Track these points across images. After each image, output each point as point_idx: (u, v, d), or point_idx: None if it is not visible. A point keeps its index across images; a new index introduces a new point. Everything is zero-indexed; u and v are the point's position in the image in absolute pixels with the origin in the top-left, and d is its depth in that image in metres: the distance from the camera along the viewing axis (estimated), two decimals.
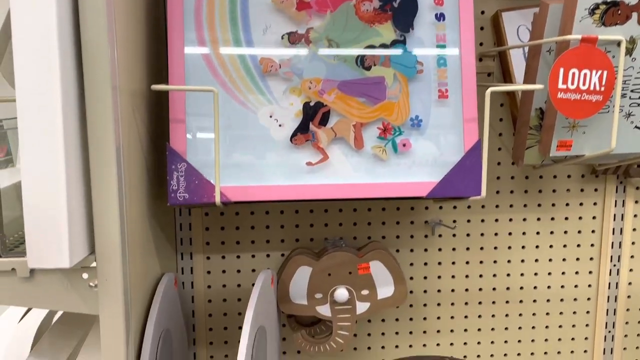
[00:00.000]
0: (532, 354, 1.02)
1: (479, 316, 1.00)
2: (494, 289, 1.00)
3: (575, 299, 1.01)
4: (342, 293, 0.88)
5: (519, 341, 1.01)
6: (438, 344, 1.00)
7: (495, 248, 0.99)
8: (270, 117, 0.73)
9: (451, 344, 1.01)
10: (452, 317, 1.00)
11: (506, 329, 1.01)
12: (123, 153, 0.59)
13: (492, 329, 1.01)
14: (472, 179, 0.74)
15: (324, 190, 0.74)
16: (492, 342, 1.01)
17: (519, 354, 1.02)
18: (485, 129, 0.71)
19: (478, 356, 1.01)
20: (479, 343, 1.01)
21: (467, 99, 0.75)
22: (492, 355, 1.01)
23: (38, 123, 0.52)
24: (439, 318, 1.00)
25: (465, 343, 1.01)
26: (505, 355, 1.01)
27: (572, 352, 1.02)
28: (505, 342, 1.01)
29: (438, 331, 1.00)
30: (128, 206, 0.61)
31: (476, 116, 0.75)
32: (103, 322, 0.59)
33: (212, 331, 0.97)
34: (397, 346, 1.00)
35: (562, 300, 1.01)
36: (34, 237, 0.53)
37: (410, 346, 1.00)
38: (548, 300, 1.01)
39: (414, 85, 0.74)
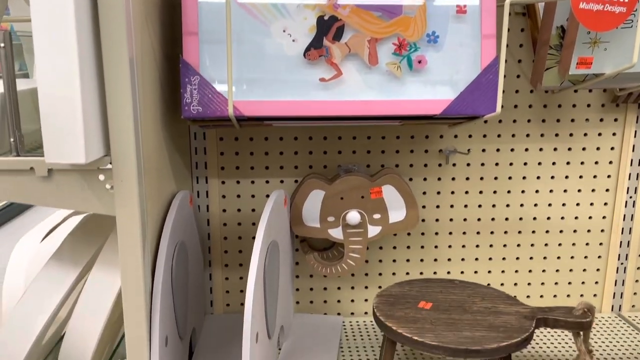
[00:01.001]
0: (542, 284, 1.02)
1: (490, 245, 1.01)
2: (506, 219, 1.00)
3: (588, 231, 1.01)
4: (354, 216, 0.89)
5: (530, 271, 1.02)
6: (448, 272, 1.02)
7: (510, 178, 0.98)
8: (284, 31, 0.72)
9: (462, 272, 1.02)
10: (463, 246, 1.01)
11: (517, 258, 1.01)
12: (136, 61, 0.60)
13: (503, 259, 1.01)
14: (487, 97, 0.73)
15: (337, 107, 0.73)
16: (502, 272, 1.02)
17: (529, 284, 1.02)
18: (503, 44, 0.70)
19: (488, 284, 1.02)
20: (489, 272, 1.02)
21: (486, 14, 0.73)
22: (502, 284, 1.02)
23: (52, 25, 0.53)
24: (450, 247, 1.01)
25: (475, 272, 1.02)
26: (515, 284, 1.02)
27: (582, 282, 1.02)
28: (516, 271, 1.02)
29: (449, 259, 1.01)
30: (142, 113, 0.62)
31: (495, 32, 0.73)
32: (120, 223, 0.60)
33: (227, 254, 0.99)
34: (407, 273, 1.02)
35: (575, 231, 1.01)
36: (51, 134, 0.54)
37: (421, 273, 1.02)
38: (561, 232, 1.00)
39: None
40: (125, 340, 0.94)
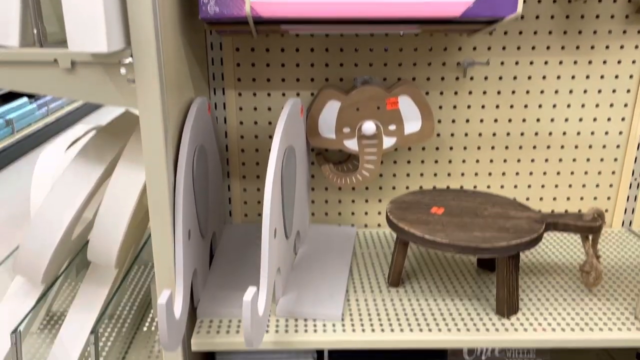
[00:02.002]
0: (554, 199, 1.04)
1: (505, 161, 1.02)
2: (522, 134, 1.00)
3: (604, 146, 1.01)
4: (369, 126, 0.90)
5: (543, 186, 1.03)
6: (461, 186, 1.03)
7: (527, 92, 0.98)
8: None
9: (474, 186, 1.03)
10: (477, 161, 1.02)
11: (530, 174, 1.03)
12: None
13: (517, 174, 1.03)
14: None
15: (355, 8, 0.72)
16: (515, 187, 1.03)
17: (541, 199, 1.04)
18: None
19: None
20: (502, 187, 1.03)
21: None
22: (514, 199, 1.04)
23: None
24: (464, 161, 1.02)
25: (488, 186, 1.03)
26: (527, 199, 1.04)
27: (595, 198, 1.04)
28: (529, 186, 1.03)
29: (462, 174, 1.03)
30: (161, 8, 0.62)
31: None
32: (142, 117, 0.62)
33: (245, 166, 1.02)
34: (421, 187, 1.04)
35: (590, 147, 1.01)
36: (74, 23, 0.55)
37: (434, 187, 1.04)
38: (576, 147, 1.01)
39: None
40: (148, 244, 0.99)
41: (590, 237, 0.79)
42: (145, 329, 0.96)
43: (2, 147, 3.38)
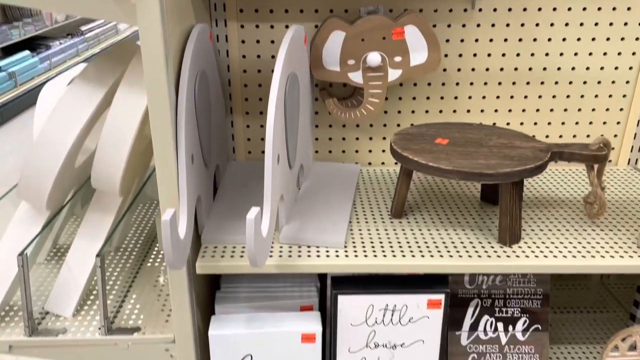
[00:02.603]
0: (560, 136, 1.03)
1: (511, 97, 1.00)
2: (530, 69, 0.98)
3: (613, 82, 0.99)
4: (374, 57, 0.89)
5: (549, 123, 1.02)
6: None
7: (537, 25, 0.95)
8: None
9: (480, 123, 1.02)
10: (483, 97, 1.00)
11: (537, 110, 1.01)
12: None
13: (523, 110, 1.01)
14: None
15: None
16: (521, 124, 1.02)
17: (547, 136, 1.03)
18: None
19: None
20: (508, 124, 1.02)
21: None
22: (521, 123, 1.03)
23: None
24: (470, 98, 1.00)
25: (494, 123, 1.02)
26: (533, 136, 1.03)
27: (601, 135, 1.02)
28: (535, 124, 1.02)
29: (468, 111, 1.02)
30: None
31: None
32: (143, 36, 0.61)
33: (248, 101, 1.01)
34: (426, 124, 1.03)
35: (599, 82, 0.99)
36: None
37: None
38: (585, 83, 0.99)
39: None
40: (153, 178, 0.99)
41: (596, 167, 0.79)
42: (149, 264, 0.97)
43: (5, 100, 3.37)
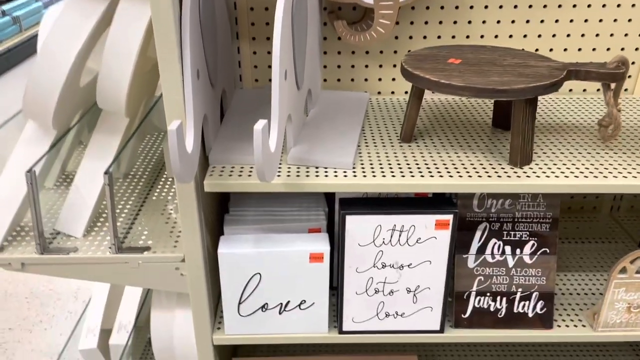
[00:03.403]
0: (579, 49, 0.99)
1: (527, 21, 0.96)
2: None
3: (633, 5, 0.95)
4: None
5: (565, 50, 0.99)
6: None
7: None
8: None
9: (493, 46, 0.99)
10: (498, 22, 0.97)
11: (554, 36, 0.98)
12: None
13: (539, 36, 0.98)
14: None
15: None
16: (536, 50, 0.99)
17: (565, 49, 0.99)
18: None
19: None
20: (522, 50, 0.99)
21: None
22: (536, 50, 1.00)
23: None
24: (484, 22, 0.97)
25: None
26: (550, 50, 0.99)
27: (622, 49, 0.98)
28: (551, 50, 0.99)
29: (482, 36, 0.98)
30: None
31: None
32: None
33: (254, 26, 0.98)
34: None
35: (618, 6, 0.95)
36: None
37: None
38: (604, 6, 0.95)
39: None
40: (160, 105, 0.98)
41: (613, 87, 0.76)
42: (157, 191, 0.97)
43: (11, 46, 3.33)
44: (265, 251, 0.79)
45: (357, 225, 0.78)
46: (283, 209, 0.87)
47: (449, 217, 0.77)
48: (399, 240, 0.79)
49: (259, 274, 0.80)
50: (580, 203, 1.16)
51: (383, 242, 0.79)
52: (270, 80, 1.03)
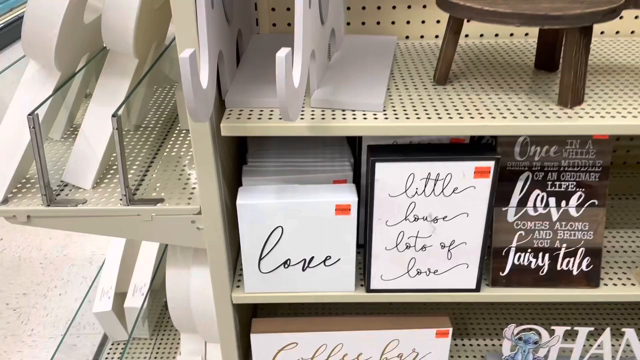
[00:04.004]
0: None
1: None
2: None
3: None
4: None
5: None
6: None
7: None
8: None
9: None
10: None
11: None
12: None
13: None
14: None
15: None
16: None
17: None
18: None
19: None
20: None
21: None
22: None
23: None
24: None
25: None
26: None
27: None
28: None
29: None
30: None
31: None
32: None
33: None
34: None
35: None
36: None
37: None
38: None
39: None
40: (173, 48, 0.91)
41: None
42: (171, 143, 0.91)
43: (21, 13, 3.26)
44: (287, 202, 0.73)
45: (388, 174, 0.71)
46: (305, 160, 0.81)
47: (490, 164, 0.70)
48: (433, 190, 0.72)
49: (281, 227, 0.74)
50: (627, 157, 1.08)
51: (416, 192, 0.72)
52: (289, 24, 0.95)
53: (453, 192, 0.72)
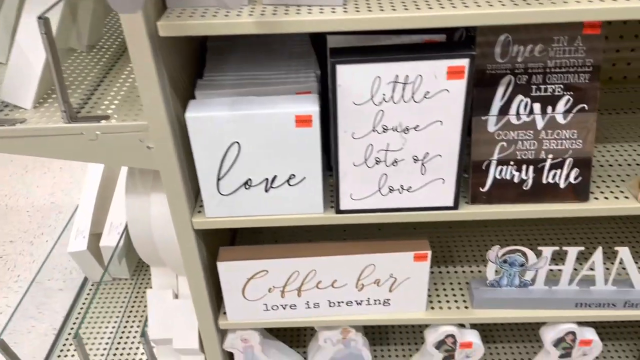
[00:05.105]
0: None
1: None
2: None
3: None
4: None
5: None
6: None
7: None
8: None
9: None
10: None
11: None
12: None
13: None
14: None
15: None
16: None
17: None
18: None
19: None
20: None
21: None
22: None
23: None
24: None
25: None
26: None
27: None
28: None
29: None
30: None
31: None
32: None
33: None
34: None
35: None
36: None
37: None
38: None
39: None
40: None
41: None
42: (125, 62, 0.84)
43: None
44: (242, 114, 0.66)
45: (351, 78, 0.64)
46: (267, 72, 0.74)
47: (465, 62, 0.63)
48: (402, 95, 0.65)
49: (237, 142, 0.68)
50: (628, 71, 0.99)
51: (383, 99, 0.65)
52: None
53: (424, 97, 0.65)
